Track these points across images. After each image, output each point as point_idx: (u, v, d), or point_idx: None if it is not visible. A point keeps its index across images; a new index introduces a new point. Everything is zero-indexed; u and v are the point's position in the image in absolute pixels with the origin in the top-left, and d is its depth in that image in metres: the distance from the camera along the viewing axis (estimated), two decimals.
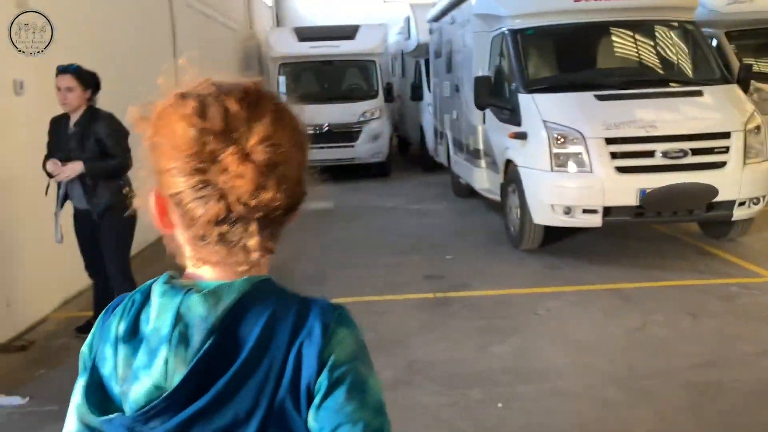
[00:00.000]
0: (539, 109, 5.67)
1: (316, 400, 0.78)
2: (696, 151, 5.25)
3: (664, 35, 6.41)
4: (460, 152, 8.25)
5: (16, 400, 3.45)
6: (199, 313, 0.78)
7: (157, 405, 0.77)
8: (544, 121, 5.54)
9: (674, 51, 6.40)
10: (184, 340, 0.78)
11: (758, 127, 5.45)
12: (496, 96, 6.30)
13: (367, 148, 11.10)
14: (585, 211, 5.38)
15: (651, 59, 6.42)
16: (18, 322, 4.36)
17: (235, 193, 0.76)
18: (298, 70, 11.93)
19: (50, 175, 3.83)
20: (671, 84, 5.93)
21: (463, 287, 5.14)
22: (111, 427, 0.81)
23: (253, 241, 0.79)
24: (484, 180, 7.17)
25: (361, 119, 11.15)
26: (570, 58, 6.45)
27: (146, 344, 0.79)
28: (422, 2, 11.84)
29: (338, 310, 0.84)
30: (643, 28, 6.41)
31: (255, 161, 0.77)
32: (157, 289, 0.81)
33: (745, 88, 6.22)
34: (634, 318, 4.35)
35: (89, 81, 3.88)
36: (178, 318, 0.78)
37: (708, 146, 5.29)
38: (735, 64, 8.74)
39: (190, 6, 9.18)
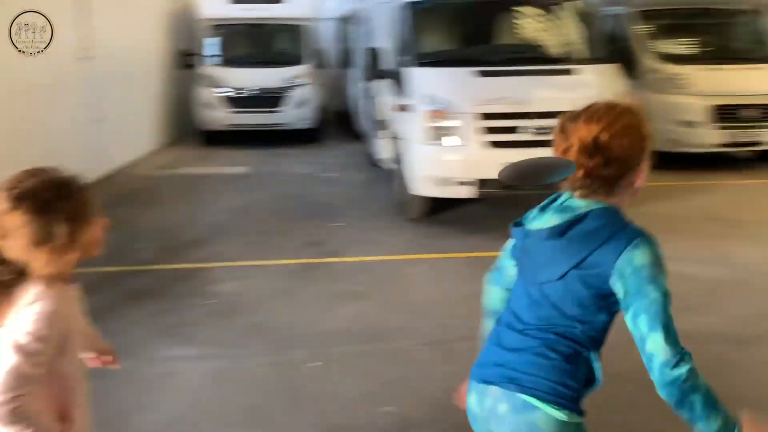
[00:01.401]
0: (421, 82, 5.82)
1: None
2: None
3: (552, 14, 6.58)
4: (369, 122, 8.39)
5: None
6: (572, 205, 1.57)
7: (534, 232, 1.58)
8: (423, 95, 5.70)
9: (560, 30, 6.58)
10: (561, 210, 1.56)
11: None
12: (387, 68, 6.42)
13: (295, 113, 11.14)
14: (461, 183, 5.59)
15: (537, 38, 6.57)
16: None
17: None
18: (227, 32, 11.80)
19: None
20: (552, 62, 6.10)
21: (334, 254, 5.33)
22: (518, 234, 1.66)
23: None
24: (383, 150, 7.32)
25: (289, 84, 11.16)
26: (459, 33, 6.60)
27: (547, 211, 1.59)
28: None
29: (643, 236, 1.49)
30: (532, 6, 6.56)
31: None
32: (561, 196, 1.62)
33: (630, 68, 6.48)
34: (474, 284, 4.58)
35: None
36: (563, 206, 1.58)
37: None
38: (640, 43, 9.03)
39: None
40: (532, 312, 1.55)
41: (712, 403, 1.39)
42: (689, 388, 1.37)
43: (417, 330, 3.89)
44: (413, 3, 6.36)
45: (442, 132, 5.58)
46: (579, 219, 1.49)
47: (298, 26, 11.80)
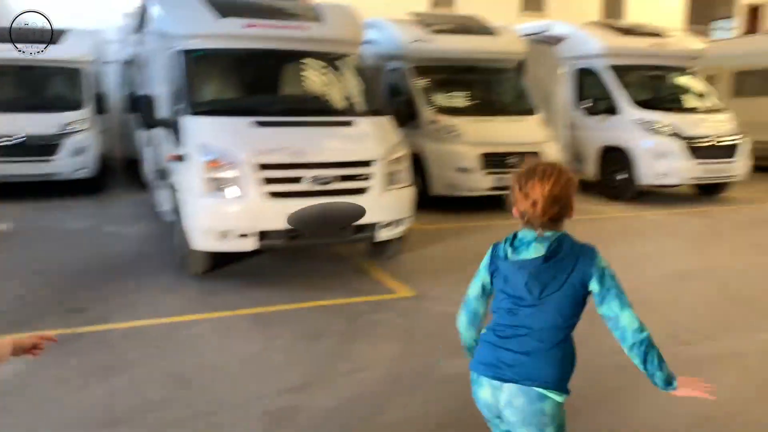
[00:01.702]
0: (196, 132, 5.61)
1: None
2: (342, 178, 5.59)
3: (328, 67, 6.78)
4: (151, 172, 7.92)
5: None
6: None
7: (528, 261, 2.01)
8: (200, 145, 5.48)
9: (336, 83, 6.80)
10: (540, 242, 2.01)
11: (400, 158, 5.98)
12: (163, 117, 6.11)
13: (71, 162, 10.19)
14: (241, 235, 5.42)
15: (313, 89, 6.76)
16: None
17: None
18: None
19: None
20: (328, 114, 6.25)
21: (101, 320, 4.83)
22: (504, 265, 2.08)
23: None
24: (164, 202, 6.92)
25: (64, 131, 10.21)
26: (238, 83, 6.53)
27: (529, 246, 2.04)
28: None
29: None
30: (308, 58, 6.71)
31: None
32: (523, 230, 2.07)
33: (401, 120, 6.85)
34: (257, 343, 4.43)
35: None
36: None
37: (352, 173, 5.66)
38: (420, 96, 9.66)
39: None
40: (536, 319, 2.03)
41: (662, 358, 1.99)
42: (649, 345, 1.98)
43: (181, 402, 3.60)
44: (188, 51, 6.16)
45: (220, 183, 5.40)
46: (557, 246, 2.04)
47: (76, 69, 10.92)
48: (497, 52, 10.26)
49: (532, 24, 12.34)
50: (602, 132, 10.77)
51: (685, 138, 9.99)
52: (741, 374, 3.98)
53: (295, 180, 5.49)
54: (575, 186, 2.08)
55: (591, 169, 11.05)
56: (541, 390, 1.99)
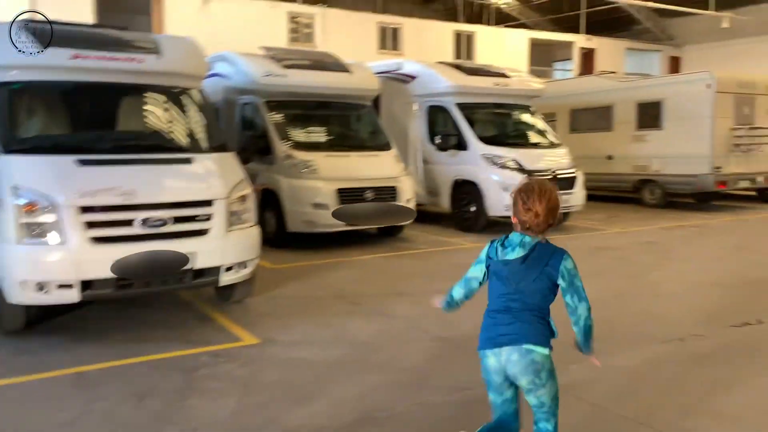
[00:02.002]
0: (12, 172, 5.03)
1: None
2: (178, 219, 5.23)
3: (168, 102, 6.42)
4: None
5: None
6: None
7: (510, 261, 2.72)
8: (14, 187, 4.91)
9: (175, 118, 6.45)
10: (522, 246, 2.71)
11: (244, 196, 5.73)
12: None
13: None
14: (60, 286, 4.88)
15: (150, 125, 6.36)
16: None
17: None
18: None
19: None
20: (165, 151, 5.88)
21: None
22: (494, 261, 2.79)
23: None
24: None
25: None
26: (64, 118, 5.99)
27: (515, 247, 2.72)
28: None
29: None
30: (144, 92, 6.32)
31: None
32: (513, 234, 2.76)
33: (256, 155, 6.61)
34: (74, 408, 3.94)
35: None
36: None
37: (189, 214, 5.32)
38: (274, 131, 9.47)
39: None
40: (519, 301, 2.70)
41: (591, 336, 2.78)
42: (592, 326, 2.76)
43: None
44: (3, 83, 5.55)
45: (37, 229, 4.85)
46: (534, 249, 2.69)
47: None
48: (351, 88, 10.35)
49: (386, 62, 12.64)
50: (453, 166, 11.16)
51: (527, 171, 10.57)
52: None
53: (126, 223, 5.06)
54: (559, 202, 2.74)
55: (445, 202, 11.38)
56: (528, 346, 2.66)
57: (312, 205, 8.98)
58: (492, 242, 2.80)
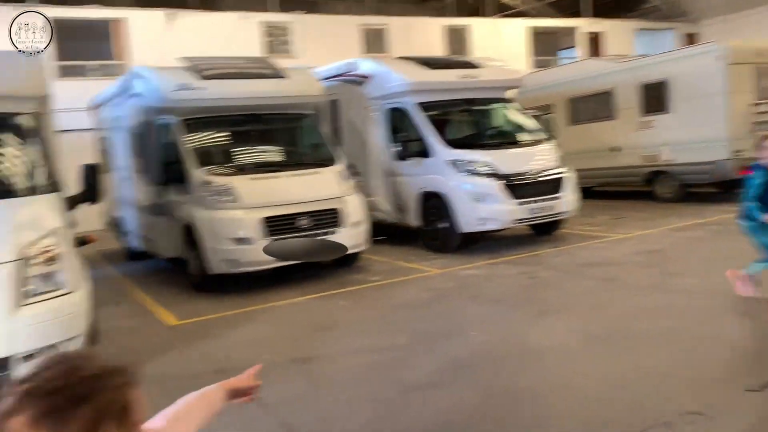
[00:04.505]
0: None
1: None
2: None
3: None
4: None
5: None
6: None
7: None
8: None
9: None
10: None
11: (51, 253, 4.20)
12: None
13: None
14: None
15: None
16: None
17: None
18: None
19: None
20: None
21: None
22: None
23: None
24: None
25: None
26: None
27: None
28: None
29: None
30: None
31: None
32: None
33: (91, 196, 5.12)
34: None
35: None
36: None
37: None
38: (189, 154, 7.97)
39: None
40: None
41: None
42: None
43: None
44: None
45: None
46: None
47: None
48: (286, 96, 8.79)
49: (339, 63, 11.06)
50: (418, 177, 9.53)
51: (503, 177, 8.88)
52: None
53: None
54: None
55: (413, 219, 9.74)
56: None
57: (233, 240, 7.44)
58: None
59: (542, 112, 13.57)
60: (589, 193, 12.87)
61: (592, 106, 14.05)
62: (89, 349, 0.87)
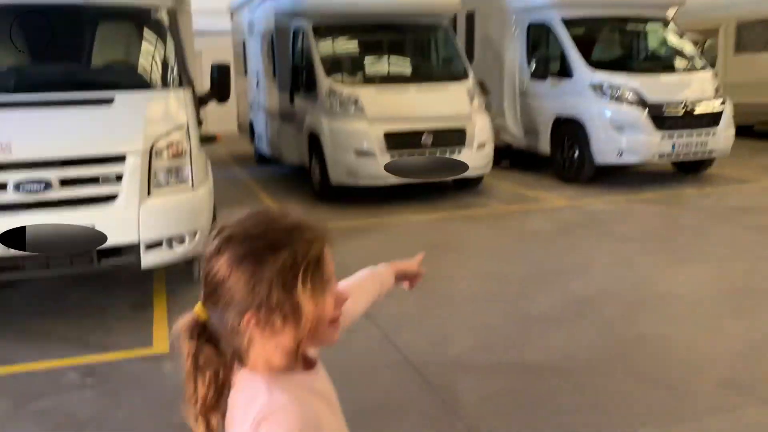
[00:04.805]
0: None
1: None
2: (67, 182, 3.90)
3: (106, 25, 5.03)
4: None
5: None
6: None
7: None
8: None
9: (112, 46, 5.05)
10: None
11: (179, 149, 4.24)
12: None
13: None
14: None
15: (73, 56, 4.95)
16: None
17: None
18: None
19: None
20: (79, 87, 4.42)
21: None
22: None
23: None
24: None
25: None
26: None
27: None
28: None
29: None
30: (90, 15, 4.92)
31: None
32: None
33: (220, 95, 5.11)
34: None
35: None
36: None
37: (85, 174, 3.96)
38: (319, 61, 7.85)
39: None
40: None
41: None
42: None
43: None
44: None
45: None
46: None
47: None
48: (421, 4, 8.36)
49: None
50: (554, 99, 8.85)
51: (650, 105, 8.03)
52: None
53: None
54: None
55: (544, 145, 9.16)
56: None
57: (355, 152, 7.34)
58: None
59: (704, 37, 12.10)
60: (747, 131, 11.50)
61: (764, 34, 12.28)
62: (286, 207, 0.84)
